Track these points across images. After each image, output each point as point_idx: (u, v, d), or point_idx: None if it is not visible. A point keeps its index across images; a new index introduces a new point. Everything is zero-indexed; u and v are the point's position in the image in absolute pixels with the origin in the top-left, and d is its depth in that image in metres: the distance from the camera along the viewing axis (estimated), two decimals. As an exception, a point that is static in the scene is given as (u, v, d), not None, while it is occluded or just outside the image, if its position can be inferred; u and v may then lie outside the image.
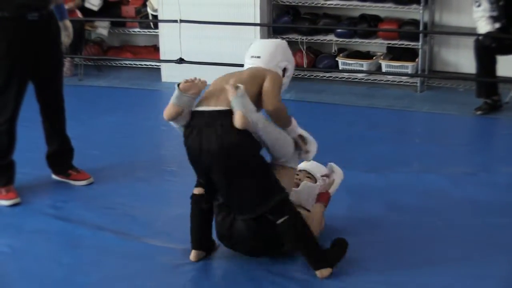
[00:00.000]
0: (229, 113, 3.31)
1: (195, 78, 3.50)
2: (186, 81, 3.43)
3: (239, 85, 3.33)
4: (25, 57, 4.33)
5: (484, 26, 5.98)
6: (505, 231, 4.00)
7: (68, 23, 4.72)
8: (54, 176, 4.76)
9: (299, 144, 3.68)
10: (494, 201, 4.38)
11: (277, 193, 3.42)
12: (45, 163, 4.77)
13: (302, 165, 4.00)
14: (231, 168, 3.38)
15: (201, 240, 3.71)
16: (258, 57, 3.68)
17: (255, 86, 3.47)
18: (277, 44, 3.78)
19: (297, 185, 3.84)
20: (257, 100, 3.46)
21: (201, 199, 3.63)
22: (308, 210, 3.78)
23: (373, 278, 3.47)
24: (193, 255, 3.67)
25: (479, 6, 5.97)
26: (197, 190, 3.64)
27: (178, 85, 3.42)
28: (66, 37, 4.72)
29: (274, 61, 3.65)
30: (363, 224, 4.04)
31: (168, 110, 3.40)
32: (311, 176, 3.95)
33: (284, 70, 3.70)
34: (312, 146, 3.73)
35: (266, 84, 3.48)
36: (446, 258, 3.69)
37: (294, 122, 3.65)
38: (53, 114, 4.67)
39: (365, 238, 3.84)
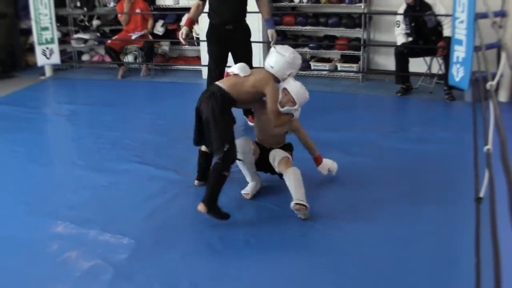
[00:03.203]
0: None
1: None
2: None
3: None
4: (224, 47, 4.54)
5: (401, 39, 5.82)
6: (416, 170, 3.86)
7: (271, 31, 4.52)
8: None
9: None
10: (409, 149, 4.24)
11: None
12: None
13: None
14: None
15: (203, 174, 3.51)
16: (272, 67, 3.20)
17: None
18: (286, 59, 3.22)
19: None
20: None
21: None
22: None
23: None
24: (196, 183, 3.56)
25: (398, 26, 5.82)
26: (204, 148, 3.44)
27: None
28: (271, 38, 4.49)
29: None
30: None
31: None
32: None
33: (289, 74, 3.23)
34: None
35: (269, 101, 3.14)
36: (376, 183, 3.59)
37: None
38: None
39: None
